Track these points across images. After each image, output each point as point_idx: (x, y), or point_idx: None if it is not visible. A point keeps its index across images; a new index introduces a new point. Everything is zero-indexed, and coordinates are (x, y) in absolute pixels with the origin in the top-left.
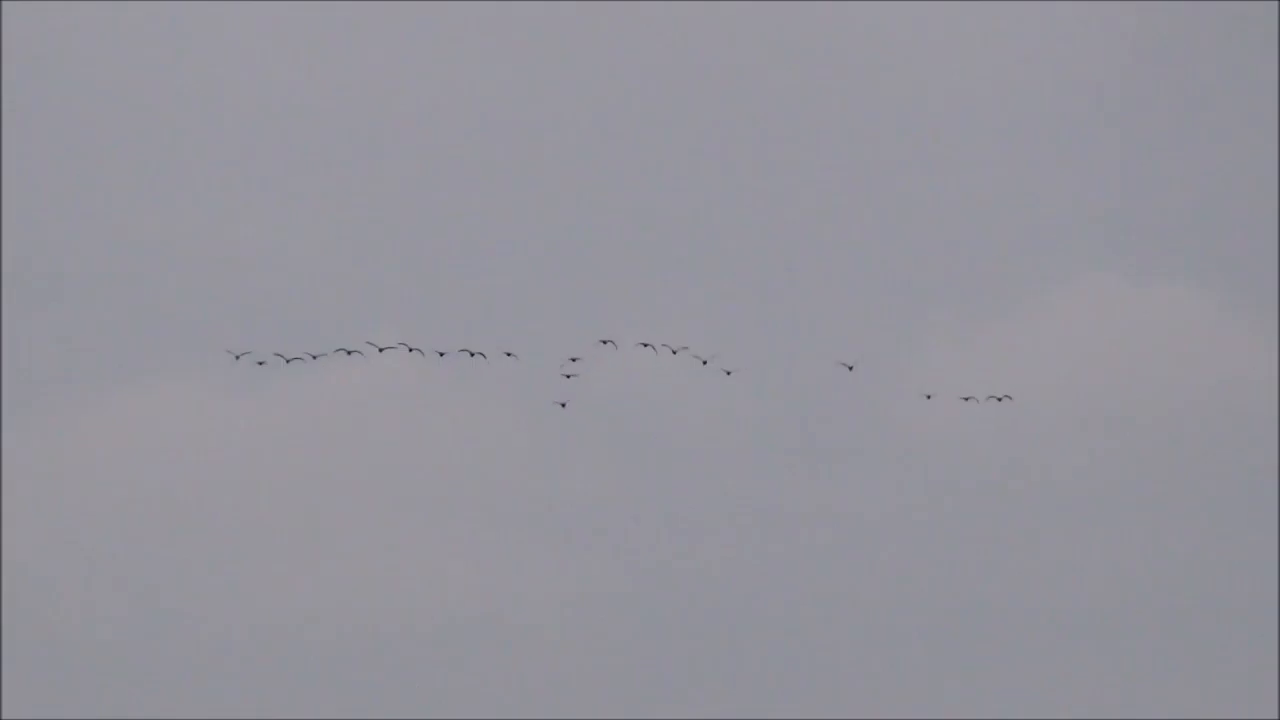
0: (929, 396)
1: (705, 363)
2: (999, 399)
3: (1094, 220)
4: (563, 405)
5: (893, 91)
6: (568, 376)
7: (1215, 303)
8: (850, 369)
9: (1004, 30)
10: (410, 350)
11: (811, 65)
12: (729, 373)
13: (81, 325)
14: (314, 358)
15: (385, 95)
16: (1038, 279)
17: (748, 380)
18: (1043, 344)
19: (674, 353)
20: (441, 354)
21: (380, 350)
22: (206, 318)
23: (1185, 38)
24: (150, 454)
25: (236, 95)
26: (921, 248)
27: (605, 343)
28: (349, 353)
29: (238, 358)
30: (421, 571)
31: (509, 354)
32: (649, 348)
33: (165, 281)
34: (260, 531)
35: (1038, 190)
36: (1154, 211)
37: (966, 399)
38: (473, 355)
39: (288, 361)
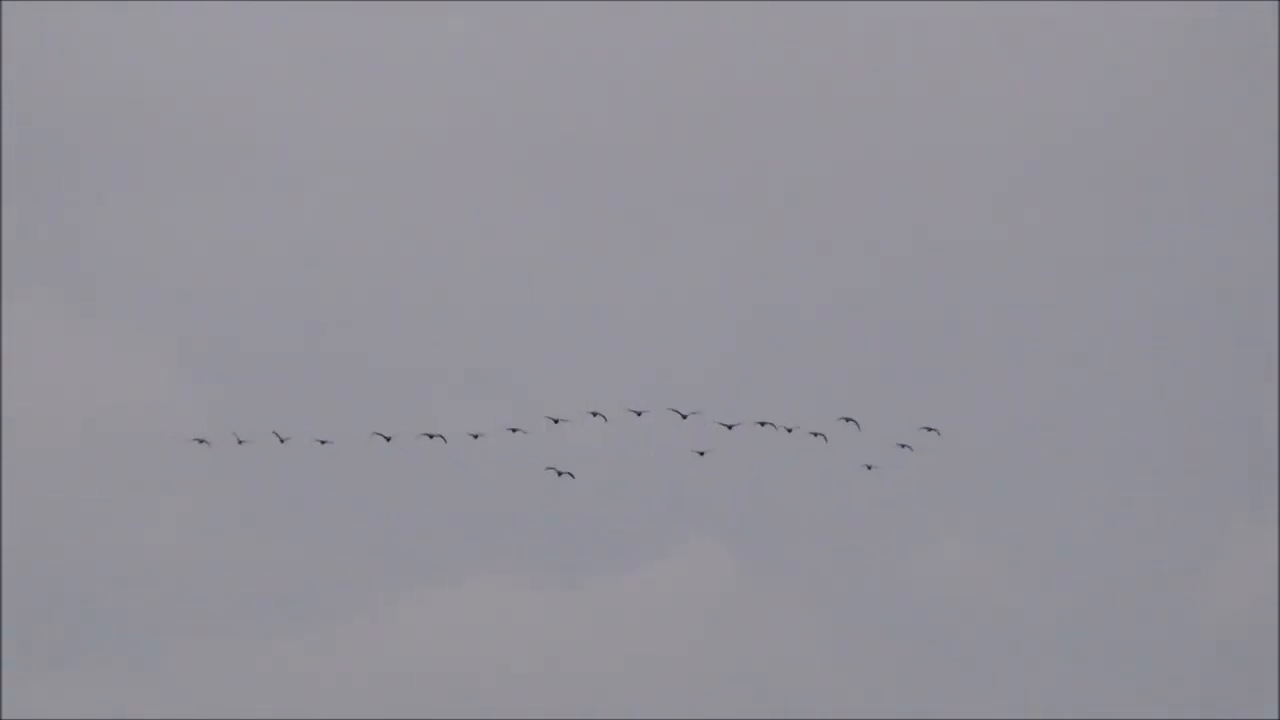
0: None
1: (685, 416)
2: (929, 429)
3: None
4: (571, 475)
5: None
6: (559, 474)
7: None
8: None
9: None
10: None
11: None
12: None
13: (383, 524)
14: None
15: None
16: None
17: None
18: None
19: (684, 416)
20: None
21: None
22: (508, 513)
23: None
24: (457, 647)
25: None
26: (1215, 449)
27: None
28: (433, 436)
29: (200, 441)
30: None
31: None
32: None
33: (466, 474)
34: None
35: None
36: None
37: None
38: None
39: (282, 440)
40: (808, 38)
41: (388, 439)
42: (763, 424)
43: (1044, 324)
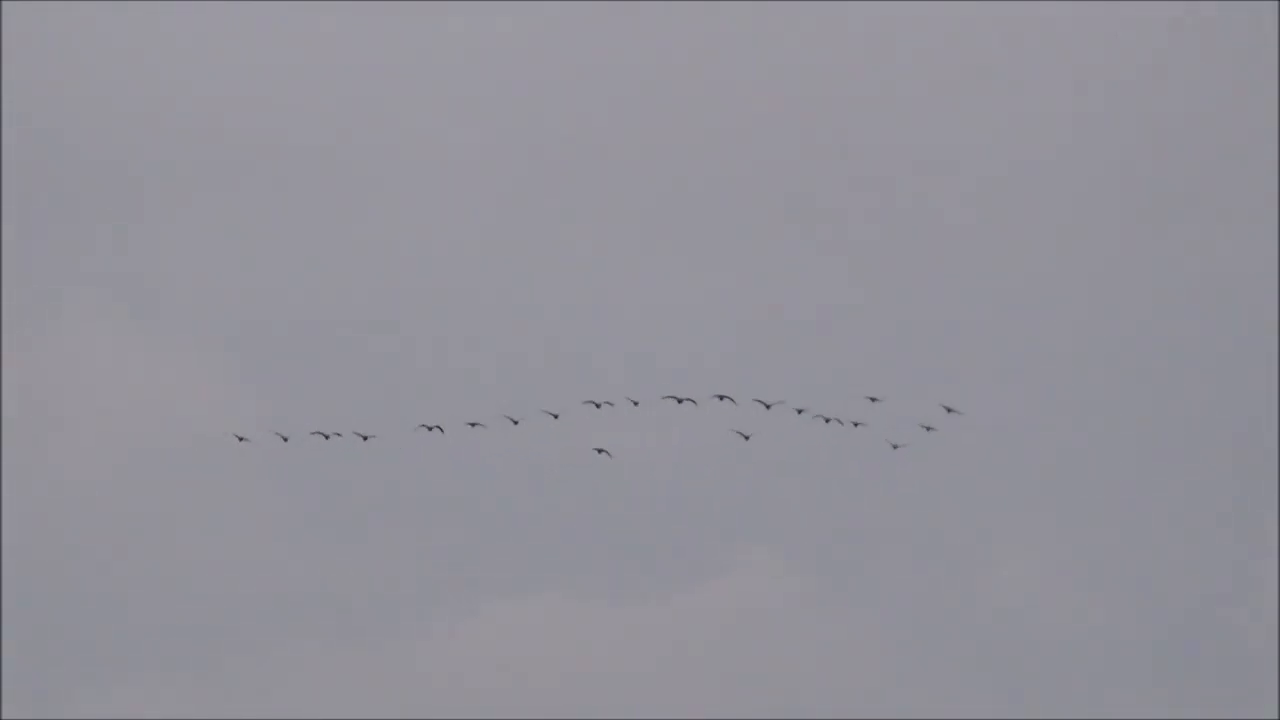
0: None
1: (723, 398)
2: (948, 410)
3: None
4: (600, 451)
5: None
6: (599, 450)
7: None
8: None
9: None
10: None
11: None
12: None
13: (453, 538)
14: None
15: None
16: None
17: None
18: None
19: (768, 407)
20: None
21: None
22: (576, 529)
23: None
24: (524, 664)
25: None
26: (1219, 451)
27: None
28: (431, 428)
29: (240, 440)
30: None
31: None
32: (725, 399)
33: (533, 494)
34: None
35: None
36: None
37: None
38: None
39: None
40: (808, 38)
41: (432, 428)
42: (800, 411)
43: (1060, 332)
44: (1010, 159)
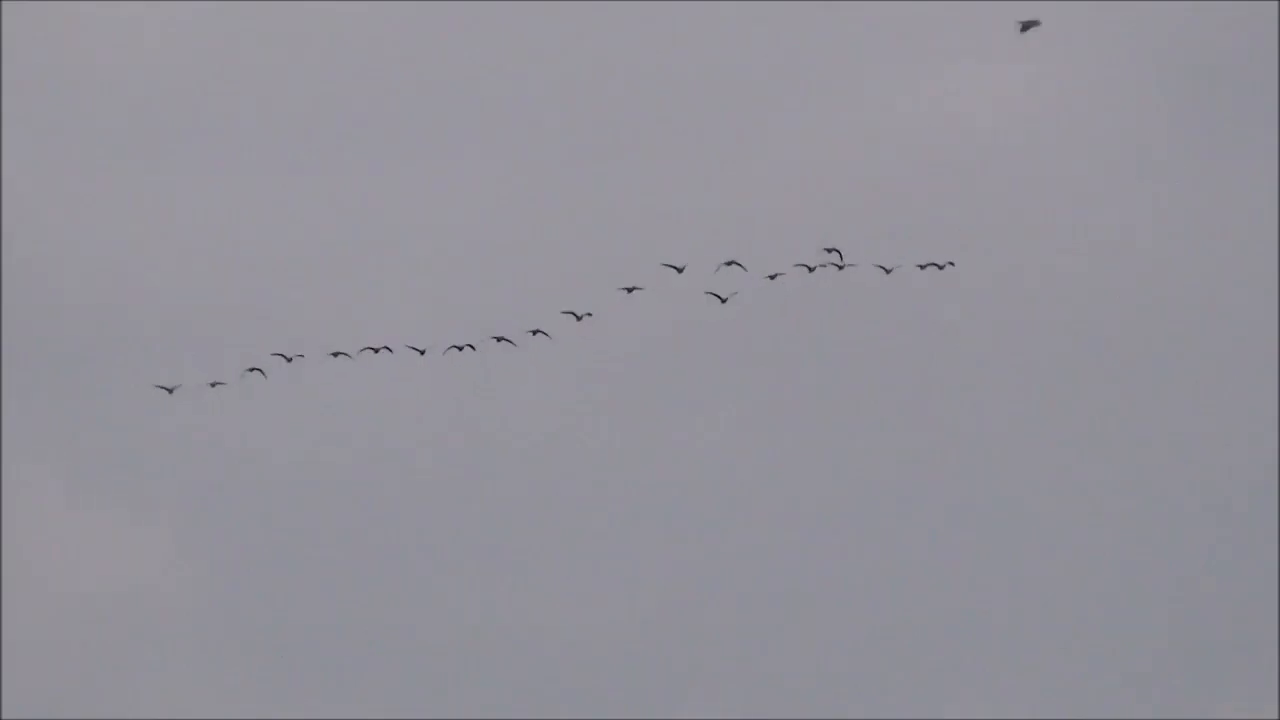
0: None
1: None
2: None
3: None
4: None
5: None
6: (576, 316)
7: None
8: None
9: None
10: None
11: None
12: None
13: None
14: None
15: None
16: None
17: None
18: None
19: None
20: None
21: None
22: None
23: None
24: None
25: None
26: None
27: (632, 290)
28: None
29: (170, 390)
30: None
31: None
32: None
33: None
34: None
35: None
36: None
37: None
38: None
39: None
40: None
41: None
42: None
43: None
44: (1005, 155)
